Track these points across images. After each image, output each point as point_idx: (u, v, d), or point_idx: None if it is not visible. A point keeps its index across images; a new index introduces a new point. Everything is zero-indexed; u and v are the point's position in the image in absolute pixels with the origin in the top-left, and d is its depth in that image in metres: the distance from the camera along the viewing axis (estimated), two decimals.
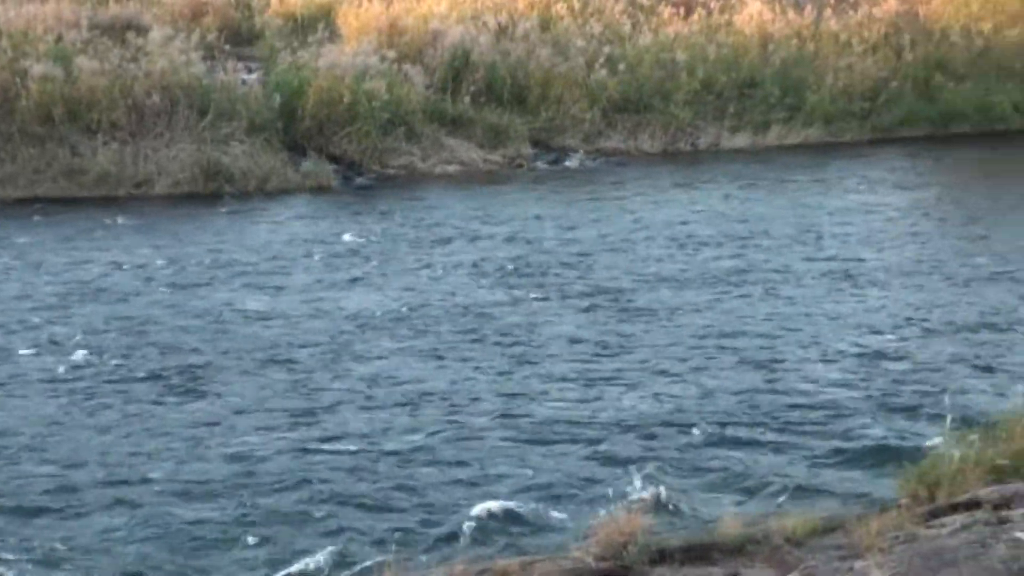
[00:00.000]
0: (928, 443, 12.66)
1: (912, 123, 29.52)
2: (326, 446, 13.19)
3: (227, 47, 29.70)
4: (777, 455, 13.25)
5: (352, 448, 13.15)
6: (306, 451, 13.02)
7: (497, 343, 16.48)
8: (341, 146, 26.17)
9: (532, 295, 18.44)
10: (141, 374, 15.14)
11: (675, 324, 17.20)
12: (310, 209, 23.49)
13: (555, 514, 11.84)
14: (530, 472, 12.74)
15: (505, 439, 13.51)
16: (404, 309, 17.75)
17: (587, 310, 17.79)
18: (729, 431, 13.71)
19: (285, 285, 18.84)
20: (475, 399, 14.57)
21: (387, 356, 16.00)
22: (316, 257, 20.25)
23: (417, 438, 13.46)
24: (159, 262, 19.83)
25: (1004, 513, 10.07)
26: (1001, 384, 14.67)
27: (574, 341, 16.54)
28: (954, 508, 10.50)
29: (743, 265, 19.84)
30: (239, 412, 14.05)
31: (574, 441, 13.45)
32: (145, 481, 12.27)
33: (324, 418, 13.93)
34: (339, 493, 12.08)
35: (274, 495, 11.98)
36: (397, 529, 11.36)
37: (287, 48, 28.62)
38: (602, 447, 13.36)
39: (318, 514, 11.64)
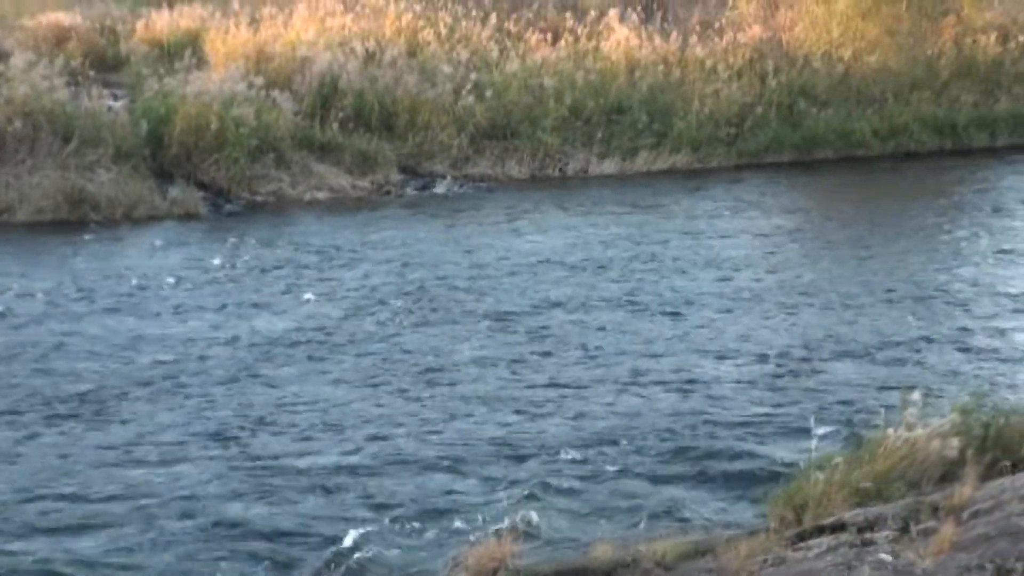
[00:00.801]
0: (798, 466, 12.87)
1: (777, 149, 29.85)
2: (221, 473, 13.18)
3: (92, 73, 29.40)
4: (654, 478, 13.39)
5: (246, 473, 13.17)
6: (198, 478, 13.02)
7: (393, 367, 16.55)
8: (209, 173, 25.96)
9: (415, 319, 18.51)
10: (37, 401, 14.99)
11: (564, 348, 17.35)
12: (179, 236, 23.26)
13: (430, 539, 11.91)
14: (410, 497, 12.81)
15: (390, 464, 13.57)
16: (293, 334, 17.77)
17: (472, 334, 17.91)
18: (607, 454, 13.82)
19: (166, 311, 18.74)
20: (367, 424, 14.65)
21: (284, 381, 16.03)
22: (192, 283, 20.13)
23: (311, 463, 13.50)
24: (29, 290, 19.58)
25: (868, 535, 10.26)
26: (870, 405, 14.93)
27: (458, 365, 16.65)
28: (820, 531, 10.68)
29: (628, 289, 20.05)
30: (139, 439, 13.99)
31: (455, 464, 13.56)
32: (49, 508, 12.23)
33: (221, 445, 13.92)
34: (228, 520, 12.10)
35: (158, 524, 11.97)
36: (274, 557, 11.38)
37: (154, 75, 28.29)
38: (480, 471, 13.43)
39: (198, 542, 11.64)
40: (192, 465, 13.35)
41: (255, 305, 19.15)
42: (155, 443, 13.88)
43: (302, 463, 13.50)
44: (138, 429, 14.24)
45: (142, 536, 11.67)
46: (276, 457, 13.57)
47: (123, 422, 14.45)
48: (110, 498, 12.49)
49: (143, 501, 12.42)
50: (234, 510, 12.31)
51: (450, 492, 12.95)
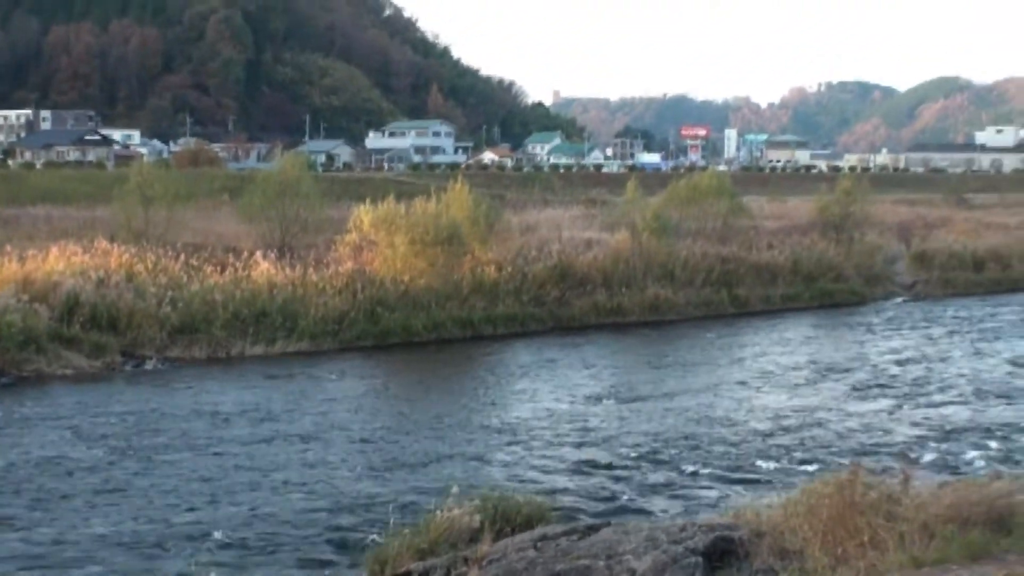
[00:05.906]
0: (383, 535, 13.36)
1: (364, 338, 30.36)
2: None
3: None
4: (285, 548, 13.66)
5: None
6: None
7: (113, 487, 16.24)
8: None
9: (134, 453, 18.20)
10: None
11: (223, 469, 17.31)
12: None
13: None
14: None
15: (94, 546, 13.58)
16: (44, 463, 17.30)
17: (170, 461, 17.73)
18: (251, 536, 14.05)
19: None
20: (76, 516, 14.39)
21: (28, 500, 15.59)
22: None
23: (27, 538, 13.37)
24: None
25: None
26: (427, 496, 15.54)
27: (151, 485, 16.48)
28: None
29: (268, 426, 20.23)
30: None
31: (150, 547, 13.58)
32: None
33: None
34: None
35: None
36: None
37: None
38: (163, 555, 13.45)
39: None
40: None
41: (17, 445, 18.47)
42: None
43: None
44: None
45: None
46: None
47: None
48: None
49: None
50: None
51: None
